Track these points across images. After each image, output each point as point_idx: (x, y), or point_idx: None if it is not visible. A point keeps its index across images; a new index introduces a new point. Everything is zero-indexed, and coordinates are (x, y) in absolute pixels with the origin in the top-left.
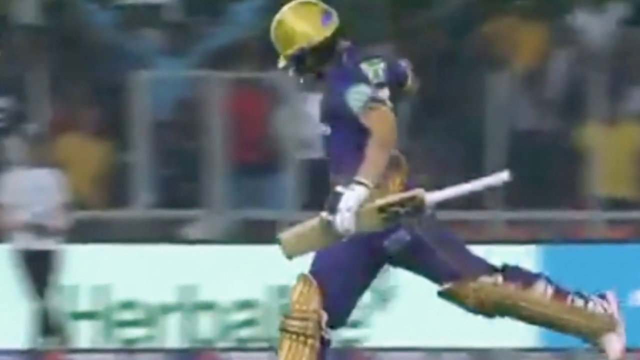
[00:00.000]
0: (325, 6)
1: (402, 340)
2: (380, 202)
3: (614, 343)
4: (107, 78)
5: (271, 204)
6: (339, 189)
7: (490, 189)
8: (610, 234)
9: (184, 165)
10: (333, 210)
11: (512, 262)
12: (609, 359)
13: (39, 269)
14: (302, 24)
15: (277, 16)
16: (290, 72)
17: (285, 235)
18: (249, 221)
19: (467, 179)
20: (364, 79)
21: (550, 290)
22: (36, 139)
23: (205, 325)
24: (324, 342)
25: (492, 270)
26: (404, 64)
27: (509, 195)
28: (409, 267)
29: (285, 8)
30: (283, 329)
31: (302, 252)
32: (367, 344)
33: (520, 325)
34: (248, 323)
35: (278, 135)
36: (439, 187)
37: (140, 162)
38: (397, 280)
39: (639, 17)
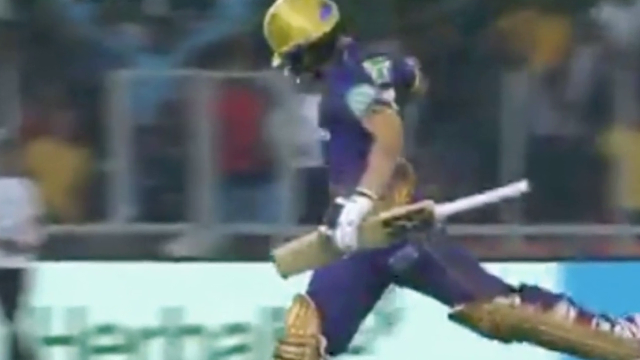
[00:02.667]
0: None
1: None
2: (385, 215)
3: None
4: (84, 78)
5: (264, 218)
6: (339, 200)
7: (507, 201)
8: (639, 251)
9: (168, 174)
10: (333, 224)
11: (530, 281)
12: None
13: (8, 289)
14: (299, 18)
15: (271, 10)
16: (286, 72)
17: (280, 252)
18: (240, 236)
19: (481, 189)
20: (367, 79)
21: (572, 313)
22: (5, 145)
23: (192, 352)
24: None
25: (508, 290)
26: (411, 62)
27: (528, 208)
28: (416, 287)
29: (280, 1)
30: (278, 356)
31: (299, 270)
32: None
33: (540, 351)
34: (239, 349)
35: (272, 141)
36: (450, 198)
37: (119, 171)
38: (404, 302)
39: None
